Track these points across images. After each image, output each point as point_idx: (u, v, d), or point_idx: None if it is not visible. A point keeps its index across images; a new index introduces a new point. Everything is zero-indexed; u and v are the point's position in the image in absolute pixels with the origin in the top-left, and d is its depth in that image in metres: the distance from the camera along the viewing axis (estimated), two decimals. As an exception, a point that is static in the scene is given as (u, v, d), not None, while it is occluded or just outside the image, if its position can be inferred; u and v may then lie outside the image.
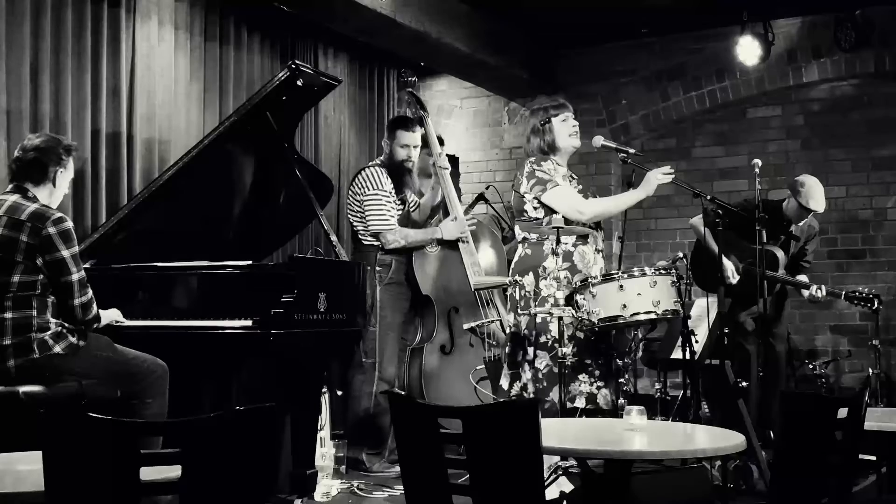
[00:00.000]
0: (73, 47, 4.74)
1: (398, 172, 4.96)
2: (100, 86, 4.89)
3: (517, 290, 4.15)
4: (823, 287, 5.34)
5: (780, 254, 5.37)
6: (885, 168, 6.85)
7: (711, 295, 4.98)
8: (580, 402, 4.00)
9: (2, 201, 3.48)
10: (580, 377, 4.03)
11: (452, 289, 5.01)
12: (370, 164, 5.13)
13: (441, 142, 5.63)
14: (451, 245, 5.02)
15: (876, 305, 5.28)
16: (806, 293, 5.36)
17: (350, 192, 5.02)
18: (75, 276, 3.44)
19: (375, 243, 4.91)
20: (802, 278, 5.45)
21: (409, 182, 5.03)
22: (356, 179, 4.99)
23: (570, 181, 4.29)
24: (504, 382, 4.21)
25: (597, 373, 4.07)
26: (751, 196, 5.43)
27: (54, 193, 3.59)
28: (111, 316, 3.77)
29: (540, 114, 4.27)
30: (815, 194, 5.26)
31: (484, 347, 4.99)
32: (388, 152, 5.03)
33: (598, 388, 4.06)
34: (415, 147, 4.96)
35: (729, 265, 5.22)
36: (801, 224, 5.41)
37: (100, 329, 3.65)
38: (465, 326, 4.95)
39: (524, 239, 4.21)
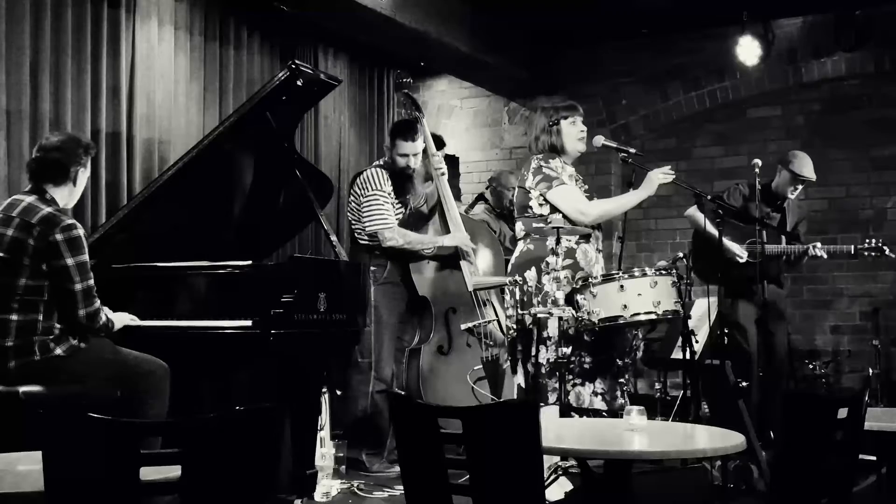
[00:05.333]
0: (73, 47, 4.74)
1: (400, 178, 4.96)
2: (100, 86, 4.90)
3: (517, 288, 4.14)
4: (819, 244, 5.29)
5: (780, 234, 5.38)
6: (885, 168, 6.85)
7: (712, 295, 4.98)
8: (552, 399, 3.97)
9: (18, 202, 3.47)
10: (576, 380, 4.02)
11: (449, 290, 5.01)
12: (373, 164, 5.13)
13: (442, 143, 5.63)
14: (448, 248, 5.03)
15: (887, 252, 5.22)
16: (813, 252, 5.27)
17: (351, 192, 5.02)
18: (79, 286, 3.40)
19: (371, 243, 4.91)
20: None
21: (410, 188, 5.02)
22: (357, 180, 4.98)
23: (577, 181, 4.28)
24: (520, 379, 4.17)
25: (577, 370, 4.05)
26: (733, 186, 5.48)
27: (73, 192, 3.58)
28: (123, 320, 3.71)
29: (550, 113, 4.26)
30: (806, 164, 5.32)
31: (481, 347, 4.99)
32: (389, 157, 5.02)
33: (573, 384, 4.05)
34: (414, 155, 4.94)
35: (734, 246, 5.23)
36: (792, 197, 5.40)
37: (113, 333, 3.62)
38: (463, 327, 4.95)
39: (526, 234, 4.21)
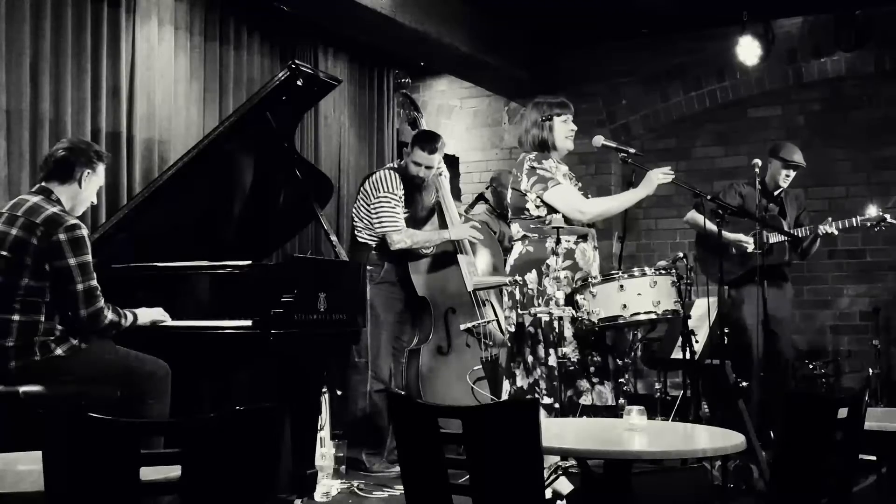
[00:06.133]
0: (73, 47, 4.74)
1: (410, 184, 4.97)
2: (100, 86, 4.89)
3: (517, 288, 4.14)
4: (829, 221, 5.27)
5: (782, 220, 5.40)
6: (885, 168, 6.85)
7: (712, 295, 4.98)
8: (587, 400, 3.99)
9: (24, 201, 3.48)
10: (594, 378, 4.03)
11: (448, 290, 5.01)
12: (387, 166, 5.15)
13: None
14: (446, 247, 5.03)
15: (888, 219, 5.19)
16: (824, 230, 5.24)
17: (361, 190, 5.02)
18: (80, 287, 3.40)
19: (370, 242, 4.91)
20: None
21: (417, 198, 5.03)
22: (369, 179, 5.00)
23: (571, 180, 4.28)
24: (520, 380, 4.14)
25: (592, 368, 4.06)
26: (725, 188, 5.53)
27: (79, 196, 3.56)
28: (153, 316, 3.69)
29: (543, 108, 4.25)
30: (795, 150, 5.39)
31: (480, 348, 5.00)
32: (404, 162, 5.03)
33: (594, 383, 4.05)
34: (427, 168, 4.94)
35: (738, 235, 5.25)
36: (785, 185, 5.42)
37: (143, 329, 3.62)
38: (462, 327, 4.96)
39: (524, 236, 4.20)
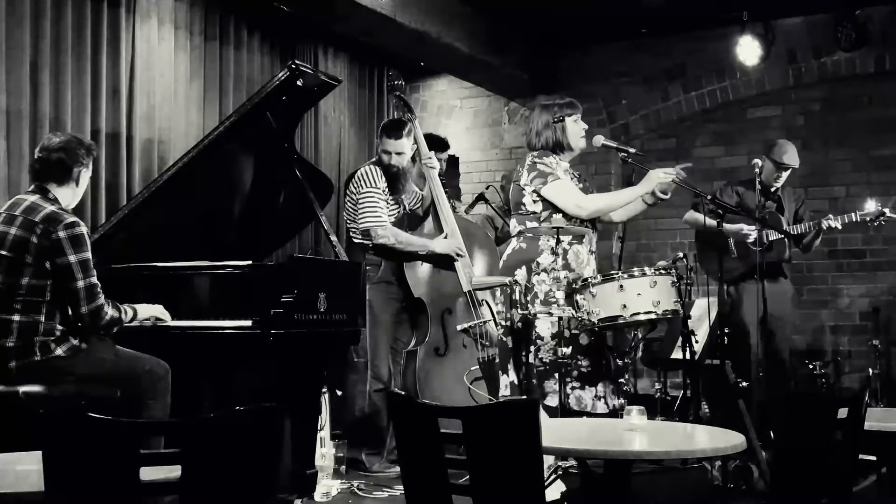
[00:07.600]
0: (73, 47, 4.75)
1: (389, 175, 4.96)
2: (100, 86, 4.90)
3: (515, 288, 4.14)
4: (831, 217, 5.25)
5: (781, 216, 5.39)
6: (885, 168, 6.85)
7: (712, 296, 4.98)
8: (553, 401, 3.98)
9: (21, 201, 3.48)
10: (574, 383, 4.02)
11: (445, 290, 5.00)
12: (367, 162, 5.14)
13: (446, 145, 5.63)
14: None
15: (888, 213, 5.18)
16: (826, 225, 5.23)
17: (347, 191, 5.03)
18: (81, 283, 3.40)
19: (365, 242, 4.91)
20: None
21: (399, 188, 5.02)
22: (353, 178, 5.00)
23: (572, 178, 4.29)
24: (513, 376, 4.18)
25: (574, 373, 4.05)
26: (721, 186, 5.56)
27: (76, 192, 3.60)
28: (153, 311, 3.70)
29: (554, 110, 4.27)
30: (787, 151, 5.36)
31: (477, 348, 4.99)
32: (377, 155, 5.04)
33: (598, 396, 4.05)
34: (398, 154, 4.93)
35: (738, 225, 5.22)
36: (778, 184, 5.42)
37: (143, 329, 3.62)
38: (459, 327, 4.95)
39: (520, 232, 4.21)
